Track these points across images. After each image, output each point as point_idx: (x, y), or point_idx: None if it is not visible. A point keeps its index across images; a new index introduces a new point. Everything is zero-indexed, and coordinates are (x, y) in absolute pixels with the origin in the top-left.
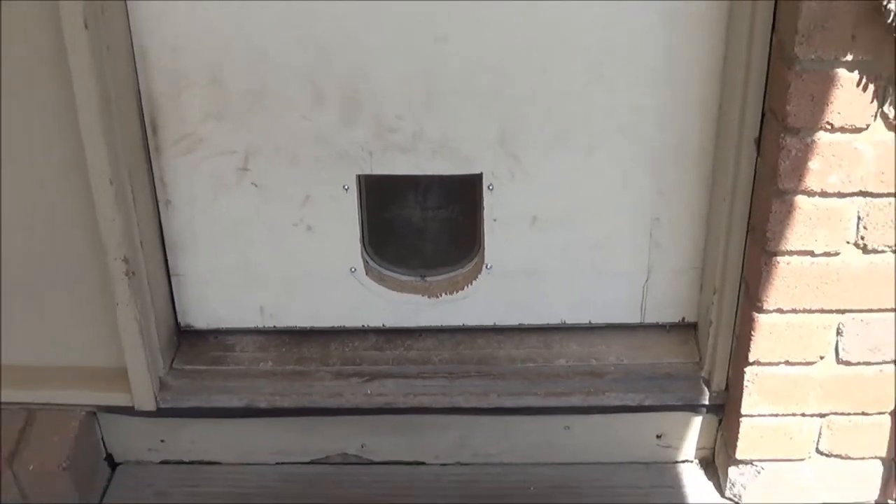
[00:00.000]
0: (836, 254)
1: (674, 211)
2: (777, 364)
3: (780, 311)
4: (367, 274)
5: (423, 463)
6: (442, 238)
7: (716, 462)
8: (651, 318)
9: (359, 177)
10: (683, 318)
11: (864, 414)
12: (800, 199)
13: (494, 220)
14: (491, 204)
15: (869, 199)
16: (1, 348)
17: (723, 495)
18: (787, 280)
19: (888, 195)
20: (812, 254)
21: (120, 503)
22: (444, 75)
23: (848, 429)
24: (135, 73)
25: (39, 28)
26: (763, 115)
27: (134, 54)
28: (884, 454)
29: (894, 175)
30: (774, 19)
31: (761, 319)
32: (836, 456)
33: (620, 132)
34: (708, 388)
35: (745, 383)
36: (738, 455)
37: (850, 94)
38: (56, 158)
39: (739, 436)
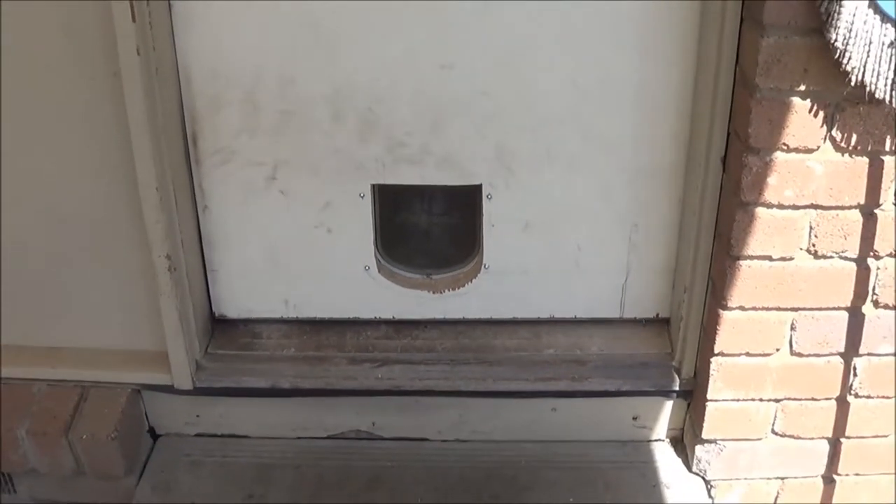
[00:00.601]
0: (791, 258)
1: (650, 218)
2: (739, 355)
3: (741, 308)
4: (379, 271)
5: (426, 439)
6: (445, 240)
7: (684, 441)
8: (629, 314)
9: (373, 186)
10: (657, 314)
11: (813, 399)
12: (760, 211)
13: (492, 225)
14: (489, 211)
15: (819, 210)
16: (59, 333)
17: (690, 470)
18: (748, 281)
19: (836, 208)
20: (770, 258)
21: (160, 470)
22: (447, 98)
23: (799, 412)
24: (179, 94)
25: (99, 55)
26: (728, 136)
27: (179, 77)
28: (830, 435)
29: (841, 190)
30: (738, 53)
31: (725, 315)
32: (789, 436)
33: (602, 151)
34: (678, 375)
35: (711, 372)
36: (704, 435)
37: (803, 119)
38: (109, 168)
39: (705, 418)
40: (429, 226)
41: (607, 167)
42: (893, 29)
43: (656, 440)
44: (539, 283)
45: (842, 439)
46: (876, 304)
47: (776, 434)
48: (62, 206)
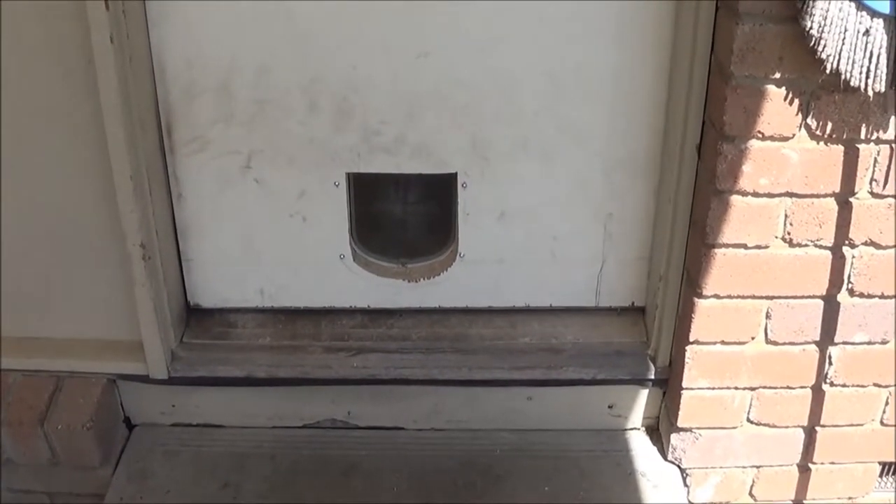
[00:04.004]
0: (766, 247)
1: (625, 207)
2: (714, 343)
3: (717, 296)
4: (354, 260)
5: (402, 428)
6: (420, 229)
7: (660, 429)
8: (604, 303)
9: (348, 174)
10: (633, 303)
11: (788, 388)
12: (735, 199)
13: (467, 214)
14: (464, 200)
15: (794, 198)
16: (35, 323)
17: (665, 459)
18: (723, 269)
19: (811, 196)
20: (745, 246)
21: (136, 460)
22: (423, 87)
23: (774, 401)
24: (153, 83)
25: (72, 44)
26: (703, 124)
27: (153, 66)
28: (805, 423)
29: (816, 178)
30: (713, 41)
31: (700, 304)
32: (765, 424)
33: (577, 140)
34: (653, 364)
35: (686, 360)
36: (680, 423)
37: (778, 107)
38: (84, 157)
39: (680, 406)
40: (404, 215)
41: (583, 157)
42: (868, 16)
43: (632, 429)
44: (514, 271)
45: (817, 428)
46: (851, 292)
47: (751, 422)
48: (36, 195)
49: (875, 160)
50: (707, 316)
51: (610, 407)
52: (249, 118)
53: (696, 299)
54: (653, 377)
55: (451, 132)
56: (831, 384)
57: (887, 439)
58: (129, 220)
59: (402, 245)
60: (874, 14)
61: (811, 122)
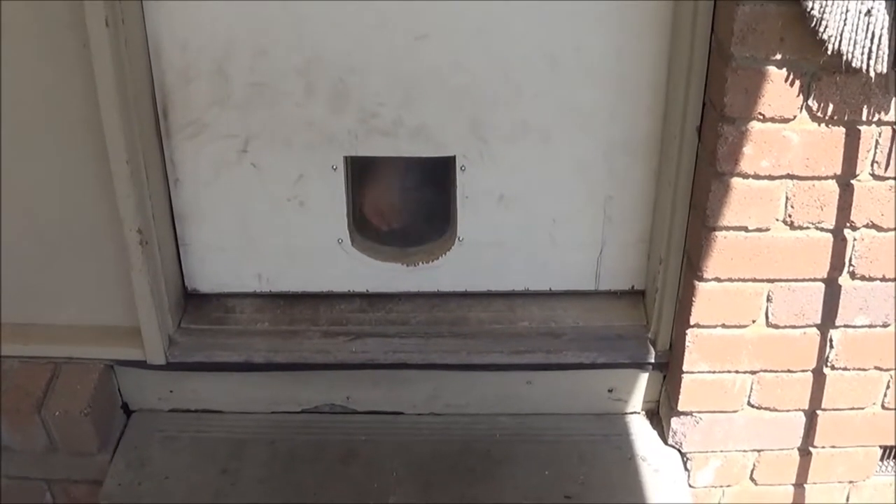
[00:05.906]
0: (767, 229)
1: (625, 190)
2: (714, 327)
3: (717, 279)
4: (352, 244)
5: (401, 413)
6: (419, 213)
7: (660, 413)
8: (604, 286)
9: (345, 158)
10: (633, 286)
11: (789, 371)
12: (735, 181)
13: (466, 197)
14: (462, 183)
15: (795, 181)
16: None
17: (666, 443)
18: (724, 252)
19: (812, 178)
20: (746, 229)
21: (134, 446)
22: (421, 69)
23: (775, 384)
24: (149, 66)
25: (67, 28)
26: (703, 106)
27: (149, 49)
28: (806, 407)
29: (817, 160)
30: (714, 22)
31: (701, 287)
32: (765, 408)
33: (576, 123)
34: (654, 347)
35: (687, 344)
36: (680, 407)
37: (779, 89)
38: (80, 142)
39: (681, 390)
40: (402, 198)
41: (582, 139)
42: None
43: (632, 413)
44: (513, 255)
45: (818, 411)
46: (852, 275)
47: (752, 406)
48: (32, 181)
49: (876, 142)
50: (708, 299)
51: (610, 391)
52: (246, 101)
53: (696, 282)
54: (653, 361)
55: (450, 115)
56: (832, 367)
57: (888, 423)
58: (126, 206)
59: (401, 229)
60: None
61: (812, 103)
